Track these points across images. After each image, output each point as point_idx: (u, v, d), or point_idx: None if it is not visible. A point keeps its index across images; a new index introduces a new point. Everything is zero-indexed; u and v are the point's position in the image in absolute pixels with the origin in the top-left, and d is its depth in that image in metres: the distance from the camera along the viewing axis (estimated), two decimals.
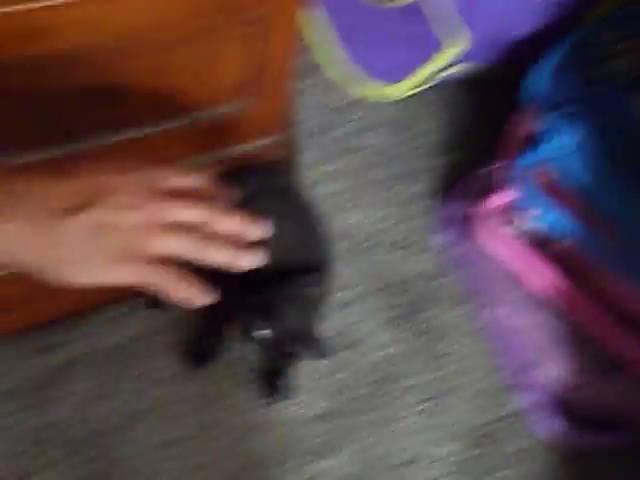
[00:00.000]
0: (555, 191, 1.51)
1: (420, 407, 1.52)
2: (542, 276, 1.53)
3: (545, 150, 1.53)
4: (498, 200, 1.59)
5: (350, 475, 1.42)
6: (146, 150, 1.22)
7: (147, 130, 1.17)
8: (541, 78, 1.53)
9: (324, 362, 1.50)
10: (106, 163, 0.78)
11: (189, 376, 1.46)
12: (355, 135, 1.76)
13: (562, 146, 1.47)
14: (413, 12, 1.69)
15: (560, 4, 1.61)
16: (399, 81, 1.79)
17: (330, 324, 1.50)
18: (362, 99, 1.81)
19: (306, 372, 1.48)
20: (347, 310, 1.57)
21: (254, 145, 1.32)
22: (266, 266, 0.87)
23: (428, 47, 1.68)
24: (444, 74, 1.77)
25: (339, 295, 1.56)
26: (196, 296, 0.79)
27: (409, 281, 1.63)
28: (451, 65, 1.73)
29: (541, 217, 1.50)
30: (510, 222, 1.59)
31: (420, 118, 1.81)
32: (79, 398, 1.43)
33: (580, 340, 1.51)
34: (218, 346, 1.48)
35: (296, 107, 1.73)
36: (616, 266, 1.45)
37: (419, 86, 1.78)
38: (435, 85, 1.79)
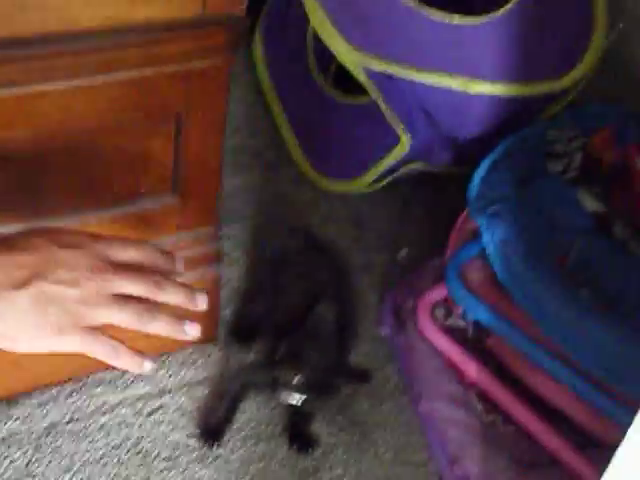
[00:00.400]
0: (482, 287, 1.56)
1: None
2: (470, 370, 1.57)
3: (474, 247, 1.59)
4: (436, 294, 1.64)
5: None
6: None
7: (66, 220, 1.24)
8: (477, 177, 1.60)
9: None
10: (57, 236, 0.86)
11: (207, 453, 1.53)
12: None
13: (487, 243, 1.52)
14: (369, 110, 1.75)
15: (514, 106, 1.65)
16: (355, 178, 1.85)
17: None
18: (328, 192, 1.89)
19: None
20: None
21: (180, 237, 1.40)
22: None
23: (385, 143, 1.74)
24: (401, 171, 1.84)
25: None
26: (135, 365, 0.88)
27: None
28: (407, 162, 1.80)
29: (467, 313, 1.55)
30: (445, 316, 1.64)
31: (373, 214, 1.88)
32: None
33: (503, 436, 1.54)
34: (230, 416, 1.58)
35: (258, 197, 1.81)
36: (536, 360, 1.49)
37: (376, 182, 1.85)
38: (392, 181, 1.86)
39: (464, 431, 1.56)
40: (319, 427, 1.62)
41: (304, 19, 1.74)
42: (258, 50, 2.05)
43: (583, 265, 1.57)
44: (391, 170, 1.82)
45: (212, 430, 1.57)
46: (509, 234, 1.54)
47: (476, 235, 1.64)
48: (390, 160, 1.76)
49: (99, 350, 0.85)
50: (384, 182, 1.88)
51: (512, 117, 1.69)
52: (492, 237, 1.54)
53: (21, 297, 0.81)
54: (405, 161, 1.78)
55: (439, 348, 1.61)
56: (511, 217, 1.56)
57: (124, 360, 0.87)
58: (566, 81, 1.69)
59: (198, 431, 1.57)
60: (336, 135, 1.89)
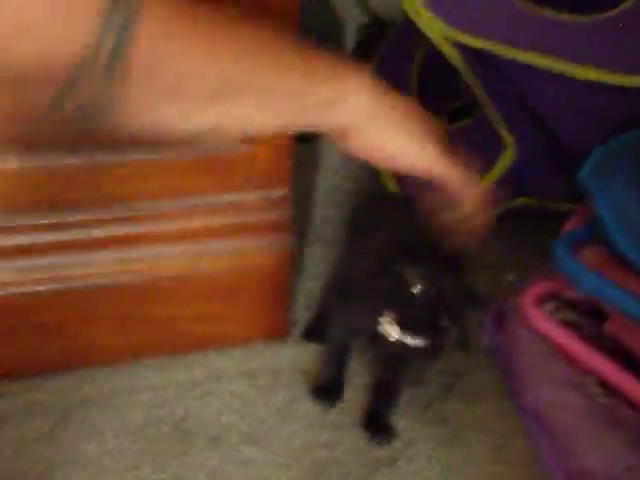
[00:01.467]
0: (599, 266, 1.33)
1: None
2: (586, 356, 1.30)
3: (587, 231, 1.38)
4: (544, 286, 1.41)
5: None
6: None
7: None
8: (592, 157, 1.43)
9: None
10: None
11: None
12: None
13: (603, 213, 1.32)
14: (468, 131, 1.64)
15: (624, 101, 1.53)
16: None
17: None
18: None
19: None
20: None
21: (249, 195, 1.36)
22: None
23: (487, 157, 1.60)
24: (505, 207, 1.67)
25: None
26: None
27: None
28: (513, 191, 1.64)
29: (583, 288, 1.31)
30: (553, 310, 1.39)
31: None
32: None
33: (627, 420, 1.24)
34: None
35: None
36: None
37: None
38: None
39: (579, 416, 1.25)
40: (399, 420, 1.36)
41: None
42: None
43: None
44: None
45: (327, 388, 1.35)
46: (629, 199, 1.33)
47: (589, 220, 1.42)
48: (497, 172, 1.59)
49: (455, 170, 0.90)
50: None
51: (623, 115, 1.53)
52: (610, 206, 1.33)
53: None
54: (511, 182, 1.61)
55: (548, 336, 1.34)
56: (631, 183, 1.35)
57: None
58: None
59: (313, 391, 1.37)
60: None
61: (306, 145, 1.88)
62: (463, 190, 0.93)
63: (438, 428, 1.33)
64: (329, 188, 1.84)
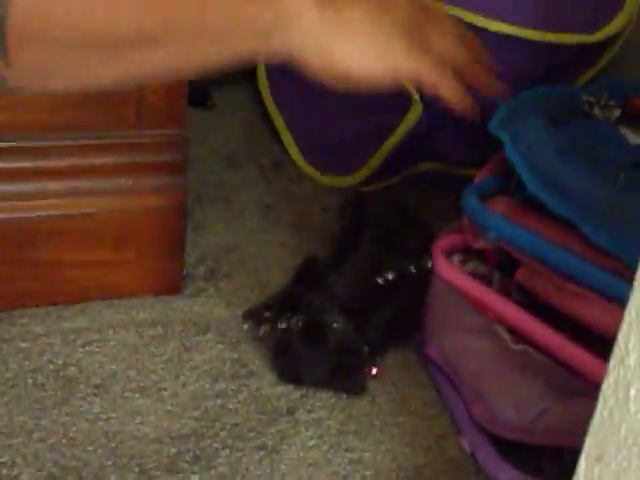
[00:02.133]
0: (508, 213, 1.28)
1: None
2: (496, 303, 1.24)
3: (497, 181, 1.34)
4: (451, 239, 1.36)
5: None
6: None
7: None
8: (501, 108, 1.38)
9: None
10: None
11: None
12: None
13: (511, 155, 1.27)
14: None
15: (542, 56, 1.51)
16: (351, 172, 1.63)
17: None
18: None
19: None
20: None
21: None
22: None
23: (389, 119, 1.55)
24: (410, 170, 1.62)
25: None
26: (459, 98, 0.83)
27: None
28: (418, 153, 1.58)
29: (492, 234, 1.25)
30: (462, 262, 1.34)
31: None
32: None
33: (537, 364, 1.18)
34: None
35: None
36: (581, 278, 1.17)
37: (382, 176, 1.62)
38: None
39: (488, 361, 1.19)
40: None
41: None
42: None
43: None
44: (399, 160, 1.59)
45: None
46: (537, 140, 1.29)
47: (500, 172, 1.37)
48: (402, 131, 1.53)
49: (427, 69, 0.79)
50: (390, 181, 1.63)
51: (541, 71, 1.50)
52: (517, 147, 1.28)
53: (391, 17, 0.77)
54: (416, 142, 1.55)
55: (456, 286, 1.28)
56: (539, 130, 1.31)
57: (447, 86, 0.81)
58: (598, 36, 1.51)
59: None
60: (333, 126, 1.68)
61: (203, 109, 1.80)
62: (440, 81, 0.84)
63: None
64: (226, 153, 1.76)
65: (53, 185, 1.26)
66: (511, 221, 1.27)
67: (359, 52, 0.76)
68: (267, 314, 1.22)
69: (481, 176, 1.38)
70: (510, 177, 1.34)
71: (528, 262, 1.25)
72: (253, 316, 1.24)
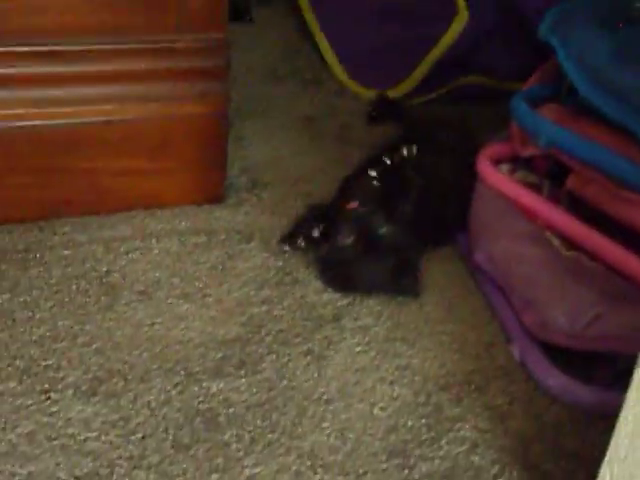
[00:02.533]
0: (560, 120, 1.24)
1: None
2: (546, 211, 1.21)
3: (548, 89, 1.30)
4: (500, 147, 1.32)
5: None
6: None
7: None
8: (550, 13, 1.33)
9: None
10: None
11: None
12: None
13: (563, 60, 1.23)
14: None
15: None
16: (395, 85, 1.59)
17: None
18: None
19: None
20: None
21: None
22: None
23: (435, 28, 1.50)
24: (454, 83, 1.58)
25: None
26: None
27: None
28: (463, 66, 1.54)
29: (543, 139, 1.21)
30: (511, 171, 1.30)
31: None
32: None
33: (590, 271, 1.15)
34: None
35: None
36: (636, 184, 1.14)
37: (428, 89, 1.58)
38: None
39: (539, 268, 1.16)
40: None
41: None
42: None
43: None
44: (443, 72, 1.55)
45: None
46: (589, 44, 1.25)
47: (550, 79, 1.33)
48: (449, 39, 1.48)
49: None
50: (435, 94, 1.59)
51: None
52: (569, 51, 1.24)
53: None
54: (460, 53, 1.51)
55: (506, 194, 1.25)
56: (590, 33, 1.26)
57: None
58: None
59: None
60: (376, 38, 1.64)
61: (242, 25, 1.77)
62: None
63: None
64: (266, 67, 1.73)
65: (91, 91, 1.24)
66: (563, 126, 1.23)
67: None
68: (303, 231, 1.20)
69: (530, 84, 1.34)
70: (561, 84, 1.30)
71: (580, 169, 1.21)
72: (288, 239, 1.24)
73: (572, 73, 1.22)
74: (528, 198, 1.24)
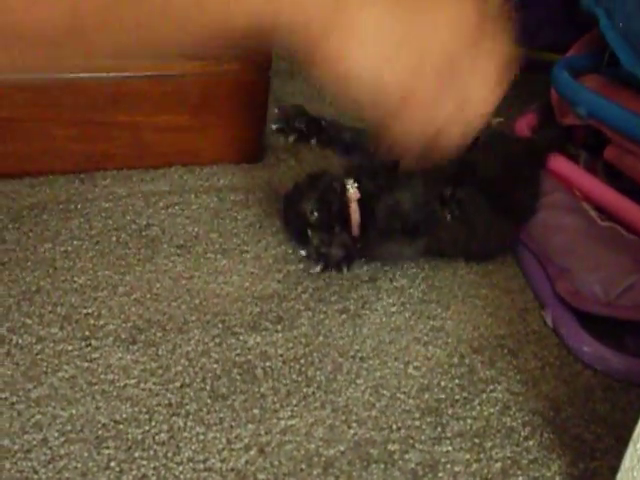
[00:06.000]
0: (600, 89, 1.24)
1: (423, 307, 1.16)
2: (583, 181, 1.21)
3: (589, 58, 1.30)
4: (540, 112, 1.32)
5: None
6: None
7: None
8: None
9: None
10: None
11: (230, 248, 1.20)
12: None
13: (606, 29, 1.23)
14: None
15: None
16: None
17: None
18: None
19: None
20: None
21: None
22: None
23: None
24: None
25: None
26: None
27: None
28: None
29: (582, 109, 1.22)
30: None
31: None
32: None
33: (626, 241, 1.16)
34: None
35: None
36: None
37: None
38: None
39: (575, 237, 1.17)
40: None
41: None
42: None
43: None
44: None
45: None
46: (634, 15, 1.24)
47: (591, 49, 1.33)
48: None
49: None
50: None
51: None
52: (613, 22, 1.23)
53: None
54: None
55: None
56: (638, 8, 1.26)
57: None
58: None
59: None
60: None
61: None
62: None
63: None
64: None
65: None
66: (603, 96, 1.23)
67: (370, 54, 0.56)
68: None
69: (571, 53, 1.34)
70: (602, 55, 1.30)
71: (618, 139, 1.22)
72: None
73: (615, 43, 1.23)
74: (566, 167, 1.25)
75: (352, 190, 1.15)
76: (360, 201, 1.16)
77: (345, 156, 1.19)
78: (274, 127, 1.18)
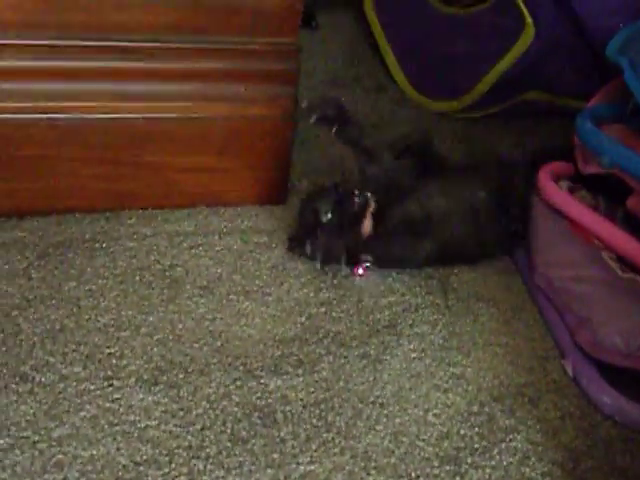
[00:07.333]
0: (623, 140, 1.25)
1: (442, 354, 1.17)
2: (605, 231, 1.22)
3: (613, 108, 1.31)
4: (561, 166, 1.34)
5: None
6: None
7: None
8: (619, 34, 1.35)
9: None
10: None
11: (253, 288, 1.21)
12: None
13: (630, 79, 1.24)
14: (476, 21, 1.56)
15: None
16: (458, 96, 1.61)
17: None
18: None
19: None
20: None
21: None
22: None
23: (497, 48, 1.52)
24: (515, 99, 1.59)
25: None
26: None
27: None
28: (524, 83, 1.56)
29: (605, 158, 1.23)
30: (570, 190, 1.31)
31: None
32: None
33: None
34: None
35: None
36: None
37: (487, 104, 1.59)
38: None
39: (595, 288, 1.17)
40: (400, 287, 1.27)
41: None
42: None
43: None
44: (506, 86, 1.56)
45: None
46: None
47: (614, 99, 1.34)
48: (515, 54, 1.50)
49: None
50: (496, 108, 1.61)
51: None
52: (636, 72, 1.25)
53: None
54: (525, 69, 1.52)
55: (565, 211, 1.26)
56: None
57: None
58: None
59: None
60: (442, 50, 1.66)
61: (307, 30, 1.80)
62: None
63: (445, 297, 1.24)
64: (330, 73, 1.75)
65: (164, 87, 1.26)
66: (627, 147, 1.24)
67: None
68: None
69: (594, 102, 1.35)
70: (626, 104, 1.31)
71: None
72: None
73: (639, 94, 1.23)
74: (588, 216, 1.25)
75: (371, 204, 1.23)
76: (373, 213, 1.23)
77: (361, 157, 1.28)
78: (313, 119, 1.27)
